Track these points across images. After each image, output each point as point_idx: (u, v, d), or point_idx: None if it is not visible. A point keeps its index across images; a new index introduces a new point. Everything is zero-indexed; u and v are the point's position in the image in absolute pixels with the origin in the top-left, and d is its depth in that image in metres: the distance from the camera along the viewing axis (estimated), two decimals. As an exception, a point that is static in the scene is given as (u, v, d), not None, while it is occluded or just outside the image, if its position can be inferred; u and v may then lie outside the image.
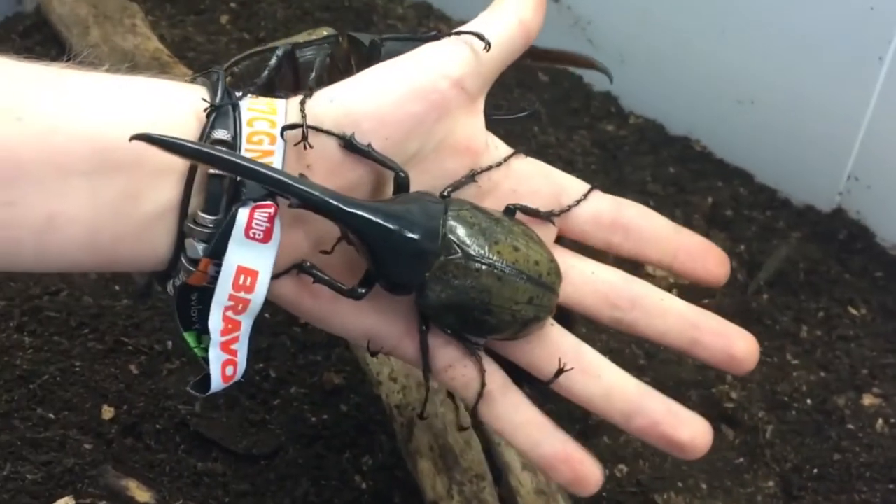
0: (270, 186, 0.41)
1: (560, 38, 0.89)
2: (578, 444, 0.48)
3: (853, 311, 0.75)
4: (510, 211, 0.48)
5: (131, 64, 0.80)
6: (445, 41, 0.47)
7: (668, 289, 0.76)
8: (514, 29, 0.48)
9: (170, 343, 0.66)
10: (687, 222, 0.79)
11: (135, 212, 0.41)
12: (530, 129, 0.87)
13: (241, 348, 0.44)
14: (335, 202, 0.42)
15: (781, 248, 0.78)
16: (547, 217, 0.49)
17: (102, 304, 0.68)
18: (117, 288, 0.69)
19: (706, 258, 0.52)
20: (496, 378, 0.48)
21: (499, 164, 0.49)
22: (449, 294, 0.45)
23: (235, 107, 0.43)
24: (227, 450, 0.61)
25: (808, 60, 0.76)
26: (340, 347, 0.67)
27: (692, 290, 0.76)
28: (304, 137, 0.43)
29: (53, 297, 0.68)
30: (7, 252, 0.40)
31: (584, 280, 0.50)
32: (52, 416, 0.61)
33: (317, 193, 0.41)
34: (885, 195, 0.77)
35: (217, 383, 0.44)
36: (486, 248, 0.45)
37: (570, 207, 0.50)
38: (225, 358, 0.43)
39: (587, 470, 0.48)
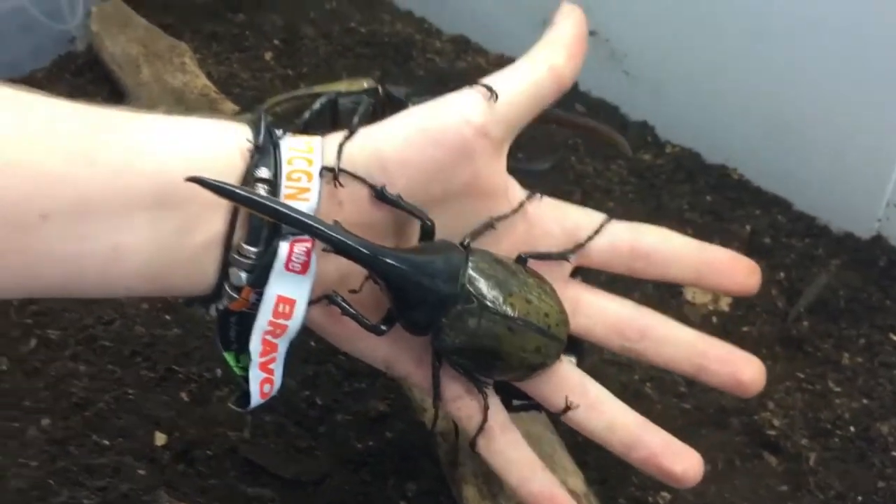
0: (308, 233, 0.44)
1: (597, 70, 0.90)
2: (565, 490, 0.51)
3: (894, 338, 0.74)
4: (522, 260, 0.50)
5: (180, 100, 0.83)
6: (471, 89, 0.48)
7: (708, 316, 0.77)
8: (544, 75, 0.49)
9: (219, 371, 0.68)
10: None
11: (188, 243, 0.44)
12: (568, 159, 0.88)
13: (278, 368, 0.47)
14: (365, 251, 0.44)
15: (821, 276, 0.78)
16: (560, 257, 0.51)
17: (154, 333, 0.70)
18: (168, 318, 0.71)
19: (733, 271, 0.53)
20: (498, 416, 0.51)
21: (514, 211, 0.50)
22: (462, 339, 0.47)
23: (276, 146, 0.46)
24: (275, 476, 0.62)
25: (844, 87, 0.76)
26: (384, 376, 0.68)
27: (731, 318, 0.77)
28: (336, 177, 0.46)
29: (107, 327, 0.70)
30: (73, 280, 0.43)
31: (595, 312, 0.53)
32: (106, 442, 0.63)
33: (350, 242, 0.44)
34: (924, 222, 0.77)
35: (256, 399, 0.47)
36: (501, 300, 0.47)
37: (583, 244, 0.52)
38: (263, 377, 0.47)
39: None
